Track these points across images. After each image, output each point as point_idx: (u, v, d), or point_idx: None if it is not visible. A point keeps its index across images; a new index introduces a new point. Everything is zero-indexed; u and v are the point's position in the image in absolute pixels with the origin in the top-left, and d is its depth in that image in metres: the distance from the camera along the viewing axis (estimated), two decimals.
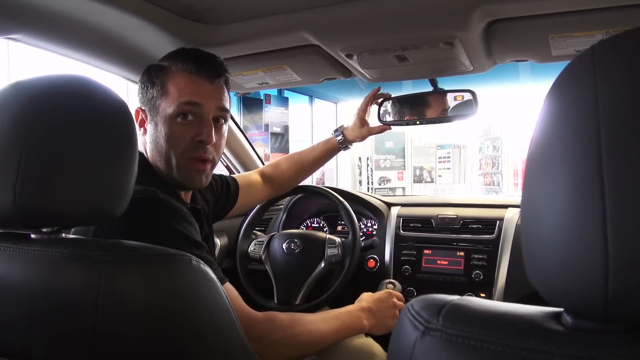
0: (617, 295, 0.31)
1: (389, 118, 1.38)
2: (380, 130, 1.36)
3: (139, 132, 0.94)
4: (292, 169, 1.39)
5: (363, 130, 1.34)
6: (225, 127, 0.97)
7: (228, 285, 0.84)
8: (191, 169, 0.91)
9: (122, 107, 0.62)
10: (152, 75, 0.92)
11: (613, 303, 0.31)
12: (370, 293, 1.17)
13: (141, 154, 0.90)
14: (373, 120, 1.37)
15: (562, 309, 0.37)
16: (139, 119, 0.94)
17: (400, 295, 1.19)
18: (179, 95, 0.89)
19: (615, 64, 0.33)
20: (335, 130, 1.38)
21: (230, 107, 0.99)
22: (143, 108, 0.94)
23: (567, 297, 0.34)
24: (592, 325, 0.34)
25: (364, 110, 1.34)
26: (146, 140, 0.94)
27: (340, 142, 1.35)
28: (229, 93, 0.99)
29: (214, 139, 0.92)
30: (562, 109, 0.35)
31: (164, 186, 0.89)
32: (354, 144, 1.39)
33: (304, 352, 0.94)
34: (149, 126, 0.93)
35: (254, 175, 1.37)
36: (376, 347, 1.13)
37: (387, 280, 1.37)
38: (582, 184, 0.32)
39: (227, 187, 1.25)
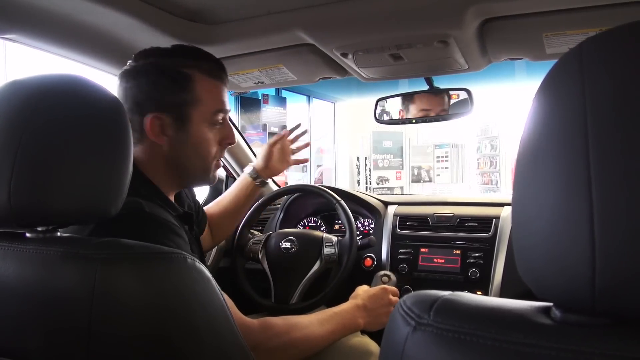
0: (603, 289, 0.31)
1: (385, 117, 1.39)
2: (284, 169, 1.33)
3: (138, 137, 0.87)
4: (219, 212, 1.31)
5: (268, 171, 1.29)
6: None
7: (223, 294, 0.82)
8: (215, 170, 0.96)
9: (116, 106, 0.62)
10: (178, 79, 0.87)
11: (600, 297, 0.32)
12: (365, 287, 1.16)
13: None
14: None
15: (551, 304, 0.37)
16: (157, 125, 0.85)
17: (396, 290, 1.18)
18: (214, 104, 0.89)
19: (602, 61, 0.34)
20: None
21: None
22: (165, 114, 0.86)
23: (555, 291, 0.35)
24: (580, 319, 0.34)
25: (268, 152, 1.30)
26: (165, 149, 0.88)
27: (254, 176, 1.28)
28: None
29: None
30: (551, 106, 0.36)
31: (151, 191, 0.86)
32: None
33: (300, 358, 0.94)
34: (175, 133, 0.87)
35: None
36: (372, 345, 1.13)
37: (382, 273, 1.35)
38: (569, 180, 0.33)
39: (203, 217, 1.20)
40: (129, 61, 0.90)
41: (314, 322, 0.96)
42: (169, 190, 0.92)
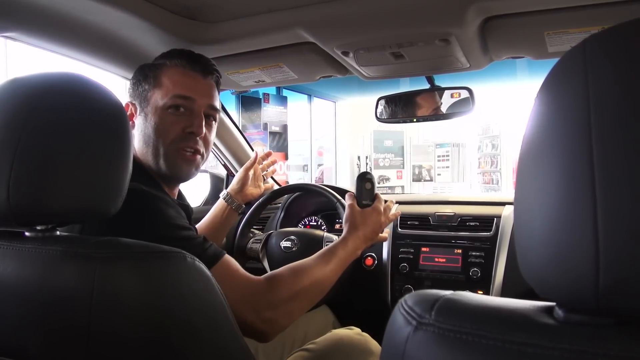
0: (607, 288, 0.31)
1: (386, 116, 1.38)
2: (258, 195, 1.36)
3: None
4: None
5: (242, 195, 1.32)
6: (214, 125, 0.99)
7: (227, 257, 0.83)
8: (180, 159, 0.91)
9: (116, 105, 0.62)
10: (146, 70, 0.94)
11: (604, 296, 0.31)
12: (359, 211, 1.07)
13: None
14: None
15: (554, 303, 0.37)
16: (128, 113, 0.93)
17: (389, 205, 1.12)
18: (173, 88, 0.90)
19: (606, 59, 0.33)
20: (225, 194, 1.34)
21: (219, 107, 1.00)
22: (133, 102, 0.94)
23: (558, 291, 0.34)
24: (584, 319, 0.34)
25: (243, 176, 1.33)
26: (134, 134, 0.93)
27: (229, 201, 1.30)
28: (219, 94, 1.00)
29: (204, 132, 0.93)
30: (554, 103, 0.35)
31: (150, 181, 0.89)
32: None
33: (313, 300, 0.93)
34: (138, 118, 0.93)
35: None
36: (372, 344, 1.13)
37: (366, 178, 1.13)
38: (573, 178, 0.32)
39: None
40: None
41: (319, 264, 0.94)
42: (164, 184, 0.94)
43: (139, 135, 0.92)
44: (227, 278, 0.78)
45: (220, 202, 1.31)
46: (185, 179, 0.97)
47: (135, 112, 0.93)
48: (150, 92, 0.91)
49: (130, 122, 0.93)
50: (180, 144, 0.91)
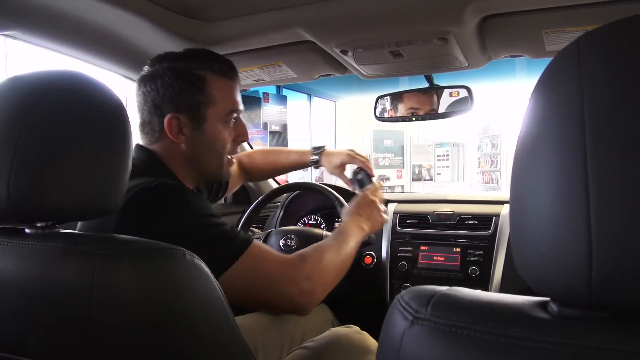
0: (600, 283, 0.32)
1: (385, 115, 1.39)
2: (345, 181, 1.37)
3: (158, 136, 0.92)
4: (265, 167, 1.43)
5: (336, 170, 1.36)
6: None
7: (257, 241, 0.86)
8: (229, 165, 0.99)
9: (116, 103, 0.62)
10: (192, 82, 0.90)
11: (597, 291, 0.32)
12: (350, 203, 1.17)
13: (154, 153, 0.93)
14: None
15: (548, 298, 0.37)
16: (175, 125, 0.90)
17: (373, 188, 1.20)
18: (228, 104, 0.94)
19: (599, 56, 0.34)
20: (316, 148, 1.37)
21: None
22: (182, 115, 0.90)
23: (552, 286, 0.35)
24: (577, 313, 0.35)
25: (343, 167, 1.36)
26: (182, 147, 0.92)
27: (313, 162, 1.37)
28: None
29: None
30: (549, 101, 0.36)
31: (175, 180, 0.92)
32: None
33: (340, 273, 0.97)
34: (191, 132, 0.91)
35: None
36: (370, 341, 1.13)
37: (357, 170, 1.30)
38: (566, 175, 0.33)
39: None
40: (145, 67, 0.94)
41: (334, 245, 0.98)
42: (188, 184, 0.97)
43: (191, 147, 0.92)
44: (263, 259, 0.83)
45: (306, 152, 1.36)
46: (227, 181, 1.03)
47: (187, 125, 0.91)
48: (205, 107, 0.91)
49: (177, 135, 0.90)
50: (232, 152, 0.99)
